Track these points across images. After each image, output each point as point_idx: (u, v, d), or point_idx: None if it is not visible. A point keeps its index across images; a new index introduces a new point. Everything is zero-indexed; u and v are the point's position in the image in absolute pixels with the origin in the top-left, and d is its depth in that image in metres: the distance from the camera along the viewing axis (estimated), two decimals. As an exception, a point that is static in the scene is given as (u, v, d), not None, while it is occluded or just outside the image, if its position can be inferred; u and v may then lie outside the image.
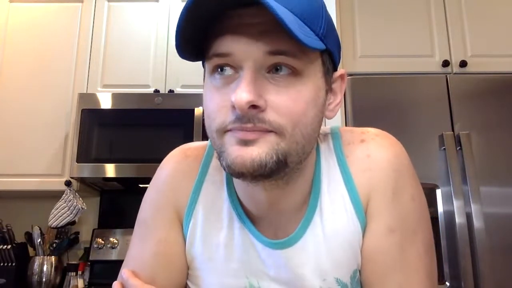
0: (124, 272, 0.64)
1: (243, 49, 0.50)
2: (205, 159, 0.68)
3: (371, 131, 0.65)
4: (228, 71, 0.52)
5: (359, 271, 0.62)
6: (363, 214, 0.60)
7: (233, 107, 0.50)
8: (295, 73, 0.51)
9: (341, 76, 0.60)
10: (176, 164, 0.69)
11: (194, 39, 0.52)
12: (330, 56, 0.57)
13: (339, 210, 0.61)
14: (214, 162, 0.67)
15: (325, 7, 0.57)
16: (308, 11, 0.52)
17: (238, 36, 0.50)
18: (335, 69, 0.60)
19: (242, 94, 0.48)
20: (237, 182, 0.62)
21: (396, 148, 0.63)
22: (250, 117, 0.50)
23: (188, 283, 0.68)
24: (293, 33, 0.46)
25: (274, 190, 0.59)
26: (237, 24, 0.50)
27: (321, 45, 0.52)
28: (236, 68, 0.52)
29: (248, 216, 0.64)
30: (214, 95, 0.53)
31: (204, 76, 0.57)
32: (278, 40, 0.49)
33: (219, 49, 0.51)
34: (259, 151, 0.50)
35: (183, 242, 0.67)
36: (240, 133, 0.51)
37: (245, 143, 0.51)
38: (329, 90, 0.58)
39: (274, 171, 0.52)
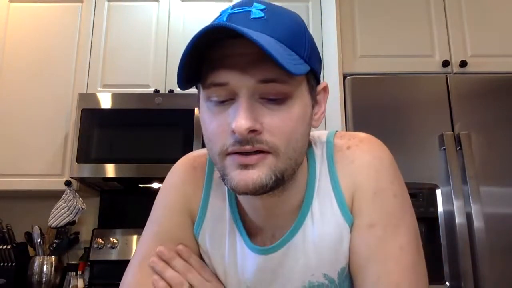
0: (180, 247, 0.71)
1: (237, 78, 0.55)
2: (208, 172, 0.74)
3: (358, 137, 0.70)
4: (225, 97, 0.57)
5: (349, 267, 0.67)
6: (349, 216, 0.66)
7: (233, 131, 0.55)
8: (285, 97, 0.57)
9: (324, 88, 0.66)
10: (187, 173, 0.76)
11: (190, 68, 0.57)
12: (314, 74, 0.62)
13: (328, 214, 0.66)
14: (216, 175, 0.73)
15: (307, 30, 0.62)
16: (292, 36, 0.57)
17: (233, 67, 0.55)
18: (318, 82, 0.65)
19: (241, 121, 0.54)
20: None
21: (378, 152, 0.68)
22: (249, 140, 0.55)
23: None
24: (281, 65, 0.51)
25: (271, 198, 0.64)
26: (230, 54, 0.56)
27: (306, 68, 0.57)
28: (232, 95, 0.57)
29: (247, 226, 0.70)
30: (212, 119, 0.58)
31: (199, 97, 0.63)
32: (268, 69, 0.54)
33: (216, 79, 0.56)
34: (259, 173, 0.56)
35: (196, 243, 0.74)
36: (240, 158, 0.56)
37: (245, 166, 0.56)
38: (315, 104, 0.64)
39: (274, 188, 0.58)
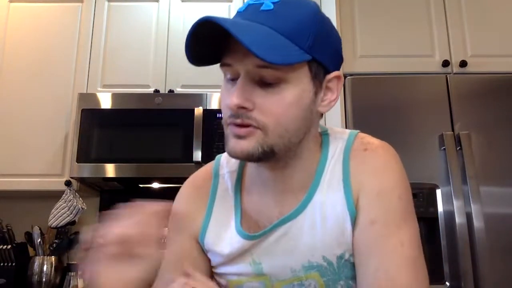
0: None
1: (238, 62, 0.65)
2: (213, 185, 0.83)
3: (375, 143, 0.76)
4: (232, 76, 0.68)
5: (351, 256, 0.71)
6: (353, 209, 0.70)
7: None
8: (279, 81, 0.65)
9: (337, 77, 0.72)
10: (189, 193, 0.85)
11: (212, 48, 0.67)
12: (318, 62, 0.68)
13: (333, 202, 0.72)
14: (220, 186, 0.82)
15: (318, 22, 0.67)
16: (294, 27, 0.64)
17: (236, 52, 0.65)
18: (327, 70, 0.70)
19: (233, 99, 0.65)
20: (249, 166, 0.80)
21: (388, 158, 0.74)
22: (239, 115, 0.65)
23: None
24: (258, 56, 0.59)
25: (275, 171, 0.73)
26: (236, 41, 0.62)
27: (302, 58, 0.64)
28: (237, 75, 0.67)
29: (247, 216, 0.77)
30: (225, 94, 0.70)
31: None
32: None
33: (225, 60, 0.67)
34: (247, 144, 0.66)
35: (198, 247, 0.81)
36: (236, 129, 0.67)
37: (239, 137, 0.67)
38: (319, 90, 0.70)
39: (262, 158, 0.67)
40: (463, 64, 2.07)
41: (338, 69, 0.72)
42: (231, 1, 2.46)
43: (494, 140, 1.88)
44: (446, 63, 2.08)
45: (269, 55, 0.60)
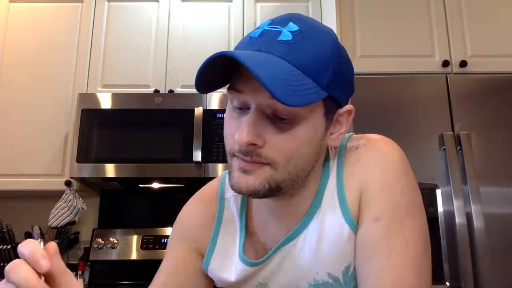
0: None
1: (252, 91, 0.60)
2: (219, 209, 0.80)
3: (367, 137, 0.72)
4: (239, 105, 0.63)
5: (354, 267, 0.69)
6: (351, 220, 0.68)
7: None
8: (295, 117, 0.60)
9: (349, 111, 0.68)
10: (197, 206, 0.82)
11: (221, 71, 0.62)
12: (334, 98, 0.64)
13: (331, 217, 0.69)
14: (226, 212, 0.79)
15: (337, 56, 0.62)
16: (313, 63, 0.60)
17: (249, 83, 0.59)
18: (340, 105, 0.66)
19: (243, 135, 0.59)
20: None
21: (386, 148, 0.69)
22: (248, 152, 0.61)
23: None
24: (275, 97, 0.54)
25: (279, 201, 0.70)
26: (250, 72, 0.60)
27: (318, 97, 0.60)
28: (247, 105, 0.62)
29: (255, 242, 0.75)
30: (230, 122, 0.65)
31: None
32: None
33: (235, 85, 0.62)
34: (254, 180, 0.62)
35: (196, 268, 0.79)
36: (242, 163, 0.63)
37: (245, 171, 0.63)
38: (330, 124, 0.66)
39: (268, 195, 0.64)
40: (463, 64, 2.07)
41: (348, 102, 0.68)
42: (231, 1, 2.47)
43: (494, 140, 1.88)
44: (446, 63, 2.08)
45: (287, 96, 0.55)
